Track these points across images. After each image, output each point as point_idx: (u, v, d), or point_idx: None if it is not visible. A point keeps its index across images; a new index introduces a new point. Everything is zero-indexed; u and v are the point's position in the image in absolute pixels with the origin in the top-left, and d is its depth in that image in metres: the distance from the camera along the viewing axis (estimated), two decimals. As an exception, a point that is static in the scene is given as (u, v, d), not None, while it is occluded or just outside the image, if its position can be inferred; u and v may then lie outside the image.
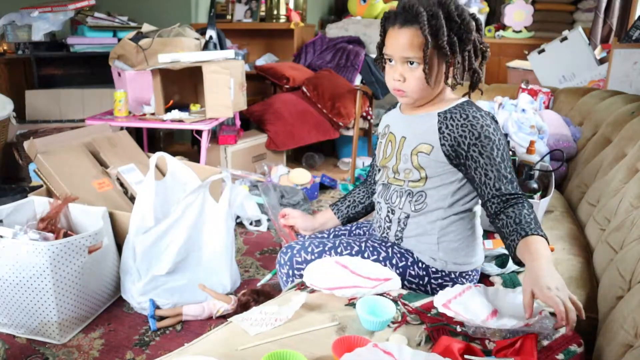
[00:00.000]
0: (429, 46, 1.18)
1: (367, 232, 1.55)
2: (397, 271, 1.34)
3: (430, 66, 1.22)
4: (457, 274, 1.34)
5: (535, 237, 1.13)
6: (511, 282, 1.45)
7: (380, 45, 1.30)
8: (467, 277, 1.36)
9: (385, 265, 1.35)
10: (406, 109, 1.36)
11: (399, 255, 1.36)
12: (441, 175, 1.28)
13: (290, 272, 1.37)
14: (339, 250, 1.36)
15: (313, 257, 1.35)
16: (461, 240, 1.33)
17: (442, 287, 1.34)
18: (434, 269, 1.34)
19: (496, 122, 1.26)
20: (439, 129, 1.25)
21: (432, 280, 1.34)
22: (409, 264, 1.35)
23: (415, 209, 1.32)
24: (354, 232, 1.56)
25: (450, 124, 1.24)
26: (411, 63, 1.23)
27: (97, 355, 1.69)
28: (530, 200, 1.67)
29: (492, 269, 1.51)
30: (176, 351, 1.11)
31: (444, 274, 1.34)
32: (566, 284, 1.39)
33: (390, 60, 1.27)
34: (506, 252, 1.52)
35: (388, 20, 1.25)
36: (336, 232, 1.56)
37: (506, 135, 2.10)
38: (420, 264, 1.35)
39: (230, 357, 1.04)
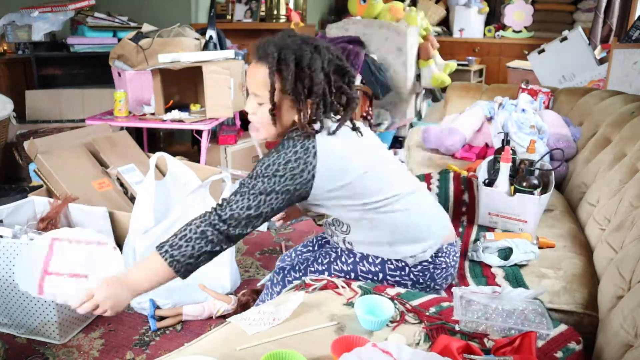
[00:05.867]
0: (275, 88, 1.19)
1: None
2: (376, 268, 1.36)
3: (278, 107, 1.23)
4: (432, 257, 1.34)
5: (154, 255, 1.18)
6: (513, 275, 1.45)
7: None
8: (442, 255, 1.36)
9: (363, 264, 1.36)
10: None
11: (373, 254, 1.38)
12: (321, 203, 1.28)
13: (283, 291, 1.40)
14: (319, 260, 1.41)
15: (300, 274, 1.40)
16: (405, 233, 1.32)
17: (423, 272, 1.35)
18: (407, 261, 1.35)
19: (297, 163, 1.21)
20: None
21: (412, 269, 1.35)
22: (385, 259, 1.36)
23: (345, 231, 1.35)
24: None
25: None
26: (259, 103, 1.24)
27: (97, 355, 1.70)
28: (530, 195, 1.68)
29: (494, 260, 1.51)
30: (176, 351, 1.11)
31: (418, 263, 1.35)
32: (569, 281, 1.42)
33: (247, 92, 1.29)
34: (510, 245, 1.53)
35: (253, 51, 1.26)
36: (320, 242, 1.60)
37: (506, 134, 2.10)
38: (394, 258, 1.36)
39: (230, 357, 1.04)
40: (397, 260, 1.35)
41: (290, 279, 1.41)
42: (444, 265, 1.36)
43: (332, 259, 1.39)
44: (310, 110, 1.22)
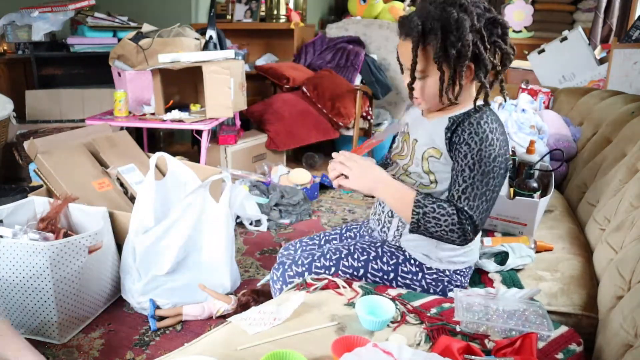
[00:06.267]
0: (428, 60, 1.17)
1: (357, 235, 1.55)
2: (389, 268, 1.35)
3: (432, 78, 1.20)
4: (451, 271, 1.35)
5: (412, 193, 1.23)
6: (510, 279, 1.45)
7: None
8: (461, 273, 1.37)
9: (376, 262, 1.36)
10: (425, 112, 1.35)
11: (389, 254, 1.37)
12: (450, 180, 1.26)
13: (284, 287, 1.40)
14: (327, 256, 1.38)
15: (304, 269, 1.38)
16: None
17: (436, 282, 1.35)
18: (428, 266, 1.35)
19: (504, 135, 1.22)
20: (446, 133, 1.23)
21: (427, 276, 1.35)
22: (400, 261, 1.36)
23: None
24: (345, 234, 1.57)
25: (458, 130, 1.21)
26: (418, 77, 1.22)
27: (97, 355, 1.69)
28: (529, 199, 1.68)
29: (491, 266, 1.51)
30: (176, 351, 1.11)
31: (438, 270, 1.34)
32: (567, 283, 1.42)
33: (402, 68, 1.27)
34: (506, 249, 1.53)
35: (398, 28, 1.24)
36: (327, 237, 1.58)
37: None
38: (412, 261, 1.35)
39: (230, 357, 1.04)
40: (411, 265, 1.35)
41: (291, 273, 1.39)
42: (458, 284, 1.37)
43: (343, 255, 1.37)
44: (467, 75, 1.19)
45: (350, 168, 1.25)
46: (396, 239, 1.38)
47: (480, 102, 1.24)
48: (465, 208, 1.18)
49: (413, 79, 1.20)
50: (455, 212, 1.18)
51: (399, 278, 1.36)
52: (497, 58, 1.19)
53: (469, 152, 1.18)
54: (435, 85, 1.20)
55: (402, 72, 1.27)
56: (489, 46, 1.16)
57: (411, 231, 1.24)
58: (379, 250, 1.37)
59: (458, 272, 1.36)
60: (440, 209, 1.19)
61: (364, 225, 1.55)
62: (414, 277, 1.35)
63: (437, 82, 1.19)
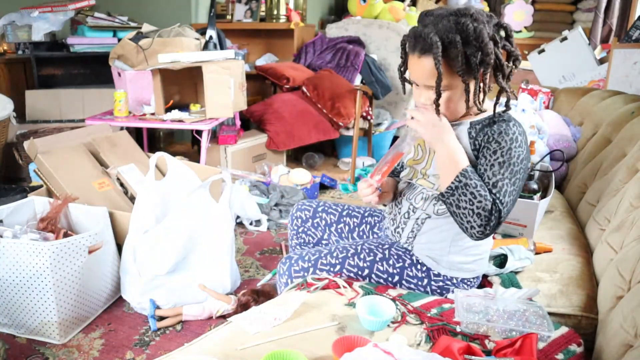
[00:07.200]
0: (451, 74, 1.17)
1: (376, 223, 1.55)
2: (395, 270, 1.35)
3: (456, 90, 1.20)
4: (458, 280, 1.34)
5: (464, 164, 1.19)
6: (510, 281, 1.45)
7: (402, 67, 1.29)
8: (468, 283, 1.36)
9: (382, 264, 1.35)
10: None
11: (395, 256, 1.36)
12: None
13: (289, 281, 1.39)
14: (334, 254, 1.38)
15: (309, 265, 1.38)
16: (473, 248, 1.32)
17: (442, 290, 1.34)
18: (435, 272, 1.34)
19: (527, 141, 1.24)
20: (470, 133, 1.24)
21: (433, 283, 1.34)
22: (407, 265, 1.35)
23: (438, 213, 1.31)
24: (366, 218, 1.55)
25: (485, 129, 1.22)
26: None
27: (97, 355, 1.70)
28: (530, 200, 1.68)
29: (490, 268, 1.50)
30: (176, 351, 1.11)
31: (445, 277, 1.34)
32: (566, 283, 1.42)
33: (416, 84, 1.26)
34: (505, 252, 1.53)
35: (407, 46, 1.22)
36: (349, 211, 1.58)
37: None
38: (419, 266, 1.34)
39: (230, 356, 1.04)
40: (417, 270, 1.34)
41: (297, 268, 1.38)
42: None
43: (349, 255, 1.37)
44: (489, 81, 1.21)
45: (423, 113, 1.23)
46: (409, 240, 1.37)
47: (501, 107, 1.24)
48: (497, 202, 1.17)
49: (439, 95, 1.19)
50: (492, 200, 1.16)
51: (403, 282, 1.35)
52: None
53: (499, 149, 1.19)
54: (460, 97, 1.21)
55: (406, 90, 1.29)
56: (501, 51, 1.18)
57: (442, 195, 1.21)
58: (386, 252, 1.37)
59: (465, 280, 1.35)
60: (481, 189, 1.16)
61: (384, 216, 1.54)
62: (419, 283, 1.35)
63: (461, 94, 1.20)
